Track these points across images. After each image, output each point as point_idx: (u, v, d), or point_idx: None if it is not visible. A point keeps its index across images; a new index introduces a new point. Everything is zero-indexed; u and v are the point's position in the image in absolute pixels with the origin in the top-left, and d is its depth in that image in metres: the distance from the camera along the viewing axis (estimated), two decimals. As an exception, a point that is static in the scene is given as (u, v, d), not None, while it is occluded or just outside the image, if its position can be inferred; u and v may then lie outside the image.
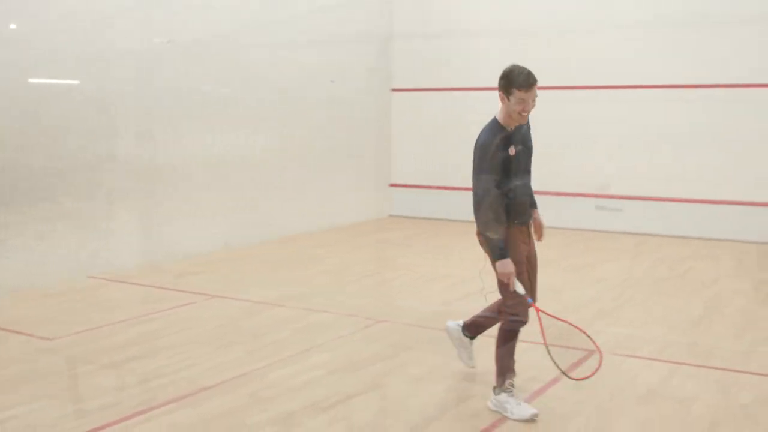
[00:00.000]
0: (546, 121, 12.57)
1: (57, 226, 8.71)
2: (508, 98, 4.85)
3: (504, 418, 4.89)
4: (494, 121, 4.99)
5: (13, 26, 8.39)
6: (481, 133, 4.99)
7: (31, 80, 8.48)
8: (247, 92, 11.07)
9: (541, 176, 12.32)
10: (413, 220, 13.70)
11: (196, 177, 10.32)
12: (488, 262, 5.14)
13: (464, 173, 14.38)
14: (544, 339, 5.08)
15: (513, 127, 4.94)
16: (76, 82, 8.93)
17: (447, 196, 13.57)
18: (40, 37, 8.48)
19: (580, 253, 10.34)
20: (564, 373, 4.95)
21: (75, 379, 5.75)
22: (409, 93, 13.91)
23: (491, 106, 14.27)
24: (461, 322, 5.74)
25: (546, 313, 5.10)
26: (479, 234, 5.12)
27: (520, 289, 5.09)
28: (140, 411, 5.01)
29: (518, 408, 4.92)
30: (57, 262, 8.68)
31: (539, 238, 5.34)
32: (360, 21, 13.44)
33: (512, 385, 5.03)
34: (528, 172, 5.16)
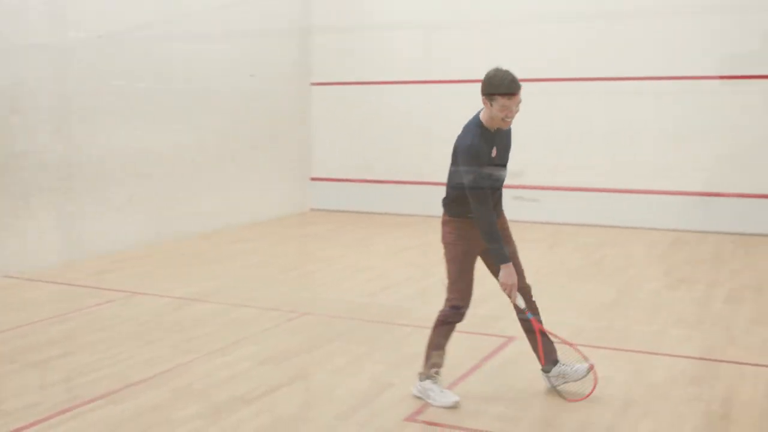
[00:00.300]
0: (460, 112, 12.80)
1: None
2: (491, 103, 4.78)
3: (427, 405, 5.01)
4: (477, 120, 4.93)
5: None
6: (466, 132, 4.93)
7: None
8: (164, 86, 10.98)
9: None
10: (335, 213, 13.77)
11: (114, 173, 10.19)
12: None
13: (384, 166, 14.56)
14: (542, 359, 5.19)
15: (495, 128, 4.90)
16: (4, 77, 8.74)
17: (368, 189, 13.68)
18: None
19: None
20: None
21: (-5, 379, 5.68)
22: (329, 87, 13.96)
23: (410, 100, 14.45)
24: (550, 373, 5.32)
25: (544, 330, 5.22)
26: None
27: (520, 302, 5.18)
28: (64, 409, 4.97)
29: (441, 395, 5.05)
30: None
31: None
32: (279, 14, 13.41)
33: (437, 373, 5.15)
34: (503, 173, 5.10)
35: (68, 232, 9.60)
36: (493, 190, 5.02)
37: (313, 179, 14.19)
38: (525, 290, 5.30)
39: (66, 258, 9.50)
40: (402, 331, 6.69)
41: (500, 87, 4.72)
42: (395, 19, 13.30)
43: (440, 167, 12.76)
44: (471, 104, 13.56)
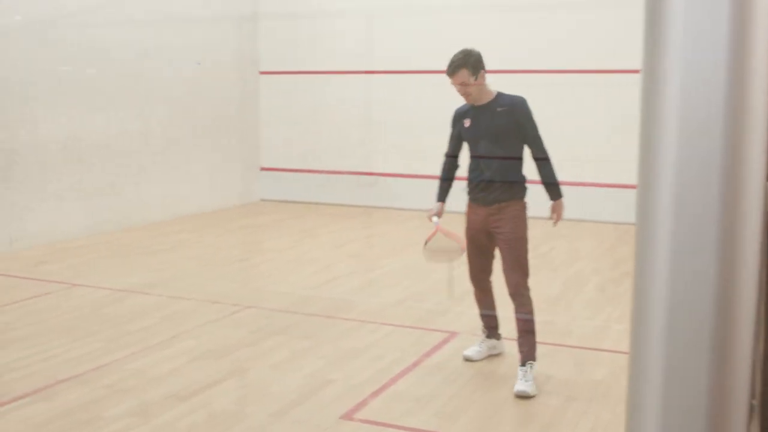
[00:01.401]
0: (407, 102, 12.75)
1: None
2: None
3: (364, 402, 4.93)
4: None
5: None
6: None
7: None
8: (108, 73, 10.74)
9: (400, 159, 12.55)
10: (284, 203, 13.63)
11: (53, 161, 9.95)
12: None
13: (332, 156, 14.42)
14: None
15: (475, 104, 5.32)
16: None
17: (316, 179, 13.56)
18: None
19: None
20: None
21: None
22: (277, 76, 13.79)
23: (357, 90, 14.35)
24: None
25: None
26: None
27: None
28: (-10, 406, 4.82)
29: None
30: None
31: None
32: (227, 1, 13.22)
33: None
34: (495, 150, 5.28)
35: (7, 220, 9.35)
36: (474, 174, 5.38)
37: (263, 169, 14.03)
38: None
39: (4, 248, 9.27)
40: (345, 325, 6.61)
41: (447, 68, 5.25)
42: (342, 7, 13.17)
43: (388, 157, 12.77)
44: (418, 94, 13.54)
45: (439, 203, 5.60)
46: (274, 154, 13.95)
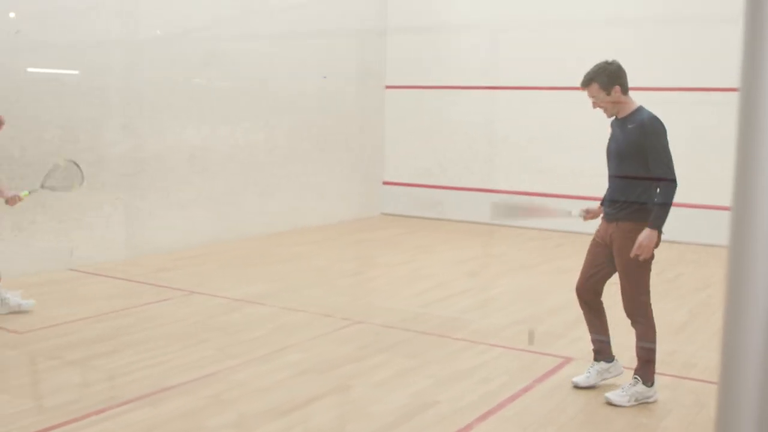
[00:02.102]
0: (534, 119, 12.48)
1: (37, 217, 8.59)
2: None
3: (470, 426, 4.76)
4: None
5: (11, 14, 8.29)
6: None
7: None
8: (235, 85, 10.95)
9: (526, 176, 12.30)
10: (405, 218, 13.56)
11: (180, 170, 10.19)
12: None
13: (456, 172, 14.33)
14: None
15: (614, 117, 5.24)
16: (55, 71, 8.81)
17: (438, 194, 13.44)
18: (15, 27, 8.38)
19: (565, 256, 10.20)
20: None
21: (37, 374, 5.64)
22: (403, 90, 13.76)
23: (484, 104, 14.17)
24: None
25: None
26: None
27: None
28: (99, 410, 4.89)
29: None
30: (36, 254, 8.56)
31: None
32: (354, 15, 13.29)
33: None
34: (620, 167, 5.18)
35: (133, 227, 9.62)
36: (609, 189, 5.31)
37: (385, 183, 14.01)
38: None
39: (129, 253, 9.54)
40: (455, 345, 6.45)
41: None
42: (472, 22, 13.03)
43: (512, 175, 12.53)
44: (546, 111, 13.28)
45: (599, 206, 5.46)
46: (397, 168, 13.92)
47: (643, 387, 5.20)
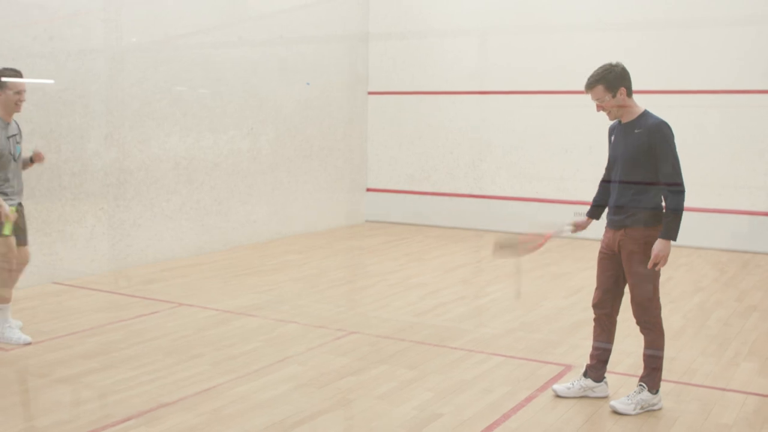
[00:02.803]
0: (517, 123, 12.43)
1: (19, 230, 8.40)
2: None
3: (476, 439, 4.67)
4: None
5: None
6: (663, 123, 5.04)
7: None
8: (217, 92, 10.80)
9: (514, 181, 12.25)
10: (390, 225, 13.46)
11: (164, 180, 10.03)
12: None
13: (441, 178, 14.24)
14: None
15: (619, 121, 5.17)
16: (36, 80, 8.63)
17: (423, 201, 13.35)
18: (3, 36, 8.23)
19: (556, 261, 10.15)
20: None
21: (27, 393, 5.48)
22: (386, 96, 13.67)
23: (466, 111, 14.15)
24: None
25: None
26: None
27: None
28: (94, 429, 4.75)
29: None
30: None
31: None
32: (336, 22, 13.19)
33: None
34: (628, 173, 5.10)
35: (117, 239, 9.45)
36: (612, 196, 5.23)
37: (368, 190, 13.91)
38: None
39: (114, 265, 9.37)
40: (453, 354, 6.35)
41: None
42: (452, 27, 12.97)
43: (497, 180, 12.47)
44: (529, 114, 13.24)
45: (586, 218, 5.45)
46: (380, 175, 13.82)
47: (649, 394, 5.13)
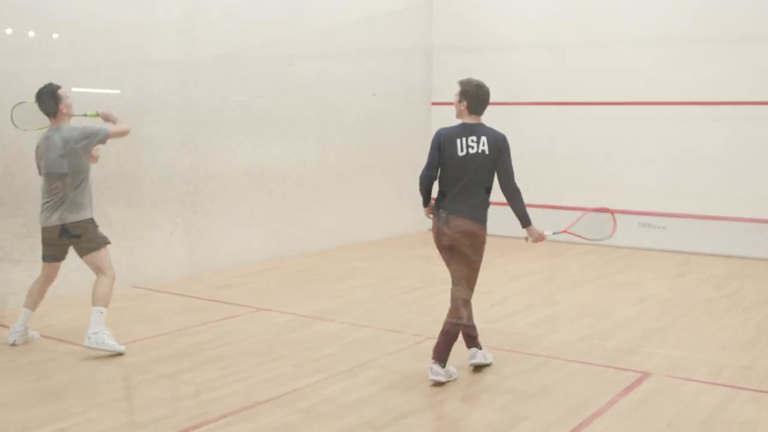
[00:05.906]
0: (587, 134, 12.52)
1: (102, 235, 8.71)
2: None
3: (563, 441, 4.80)
4: None
5: (55, 35, 8.43)
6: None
7: (74, 89, 8.49)
8: (287, 103, 11.07)
9: (582, 191, 12.33)
10: (451, 234, 13.57)
11: (238, 188, 10.32)
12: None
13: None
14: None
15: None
16: (117, 91, 8.94)
17: (491, 210, 13.44)
18: (78, 46, 8.55)
19: (620, 270, 10.22)
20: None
21: (128, 389, 5.74)
22: (450, 107, 13.79)
23: (535, 122, 14.18)
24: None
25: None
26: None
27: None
28: (195, 425, 4.98)
29: None
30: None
31: None
32: (403, 34, 13.41)
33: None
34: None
35: (192, 244, 9.74)
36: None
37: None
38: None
39: (189, 270, 9.65)
40: (530, 361, 6.49)
41: None
42: (515, 40, 13.10)
43: (567, 190, 12.55)
44: (597, 125, 13.24)
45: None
46: (443, 184, 13.95)
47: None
